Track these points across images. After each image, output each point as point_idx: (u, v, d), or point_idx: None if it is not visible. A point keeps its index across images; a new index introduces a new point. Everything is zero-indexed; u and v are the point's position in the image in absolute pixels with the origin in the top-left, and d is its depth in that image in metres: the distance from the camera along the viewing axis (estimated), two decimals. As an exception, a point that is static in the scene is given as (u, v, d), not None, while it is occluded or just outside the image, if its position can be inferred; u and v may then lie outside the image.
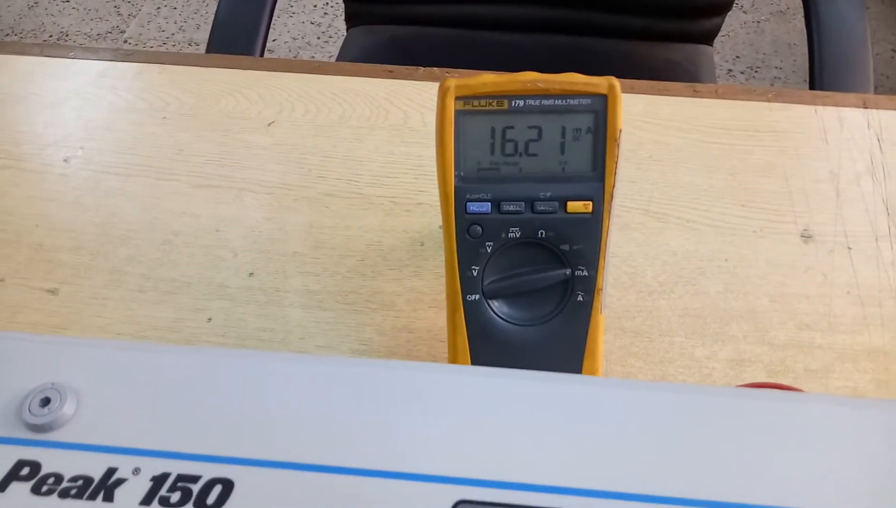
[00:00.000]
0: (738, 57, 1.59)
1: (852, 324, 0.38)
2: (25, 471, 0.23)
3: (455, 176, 0.30)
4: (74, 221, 0.43)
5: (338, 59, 0.83)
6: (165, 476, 0.23)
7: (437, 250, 0.41)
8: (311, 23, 1.65)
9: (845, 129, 0.46)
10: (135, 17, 1.68)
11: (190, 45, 1.61)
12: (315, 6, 1.69)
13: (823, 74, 0.55)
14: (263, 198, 0.44)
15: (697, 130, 0.46)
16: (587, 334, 0.30)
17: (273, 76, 0.50)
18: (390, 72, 0.50)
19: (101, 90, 0.50)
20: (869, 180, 0.44)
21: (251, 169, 0.45)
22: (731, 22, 1.64)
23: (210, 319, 0.39)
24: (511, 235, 0.30)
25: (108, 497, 0.23)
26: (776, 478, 0.22)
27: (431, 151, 0.30)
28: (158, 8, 1.69)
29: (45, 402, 0.24)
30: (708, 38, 0.82)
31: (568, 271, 0.30)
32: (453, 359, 0.32)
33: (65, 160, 0.46)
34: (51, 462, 0.23)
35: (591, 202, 0.30)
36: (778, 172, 0.44)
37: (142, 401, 0.24)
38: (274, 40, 1.61)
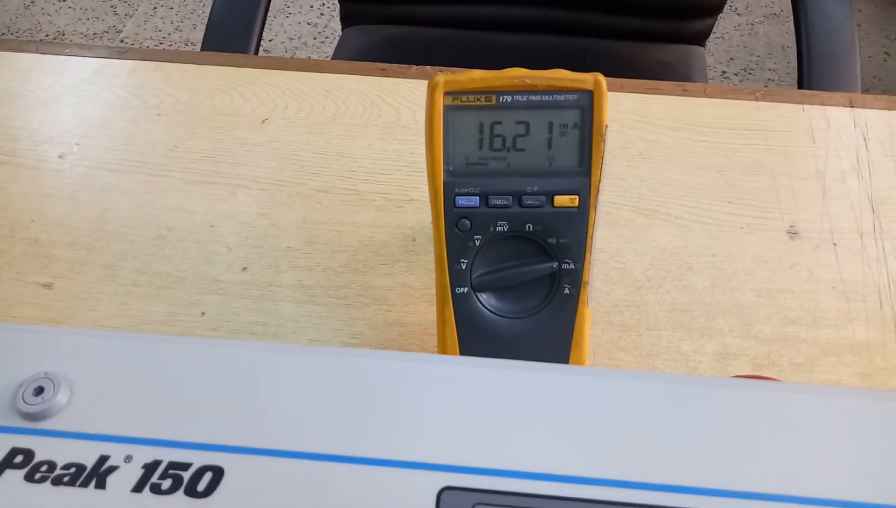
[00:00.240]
0: (732, 59, 1.60)
1: (837, 319, 0.38)
2: (19, 459, 0.23)
3: (444, 170, 0.30)
4: (69, 216, 0.43)
5: (332, 59, 0.83)
6: (157, 463, 0.23)
7: (428, 245, 0.41)
8: (308, 23, 1.66)
9: (832, 127, 0.47)
10: (131, 16, 1.68)
11: (186, 44, 1.61)
12: (311, 7, 1.69)
13: (812, 73, 0.55)
14: (257, 194, 0.44)
15: (686, 128, 0.47)
16: (574, 326, 0.31)
17: (267, 74, 0.51)
18: (383, 70, 0.51)
19: (96, 87, 0.51)
20: (854, 178, 0.44)
21: (245, 165, 0.46)
22: (726, 24, 1.65)
23: (203, 313, 0.39)
24: (499, 228, 0.30)
25: (101, 485, 0.23)
26: (759, 465, 0.23)
27: (423, 149, 0.31)
28: (155, 8, 1.69)
29: (39, 391, 0.24)
30: (700, 39, 0.83)
31: (555, 265, 0.31)
32: (443, 351, 0.32)
33: (60, 156, 0.47)
34: (44, 449, 0.23)
35: (577, 197, 0.30)
36: (765, 170, 0.45)
37: (134, 390, 0.25)
38: (270, 41, 1.61)
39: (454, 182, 0.30)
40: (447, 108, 0.30)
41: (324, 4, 1.69)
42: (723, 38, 1.63)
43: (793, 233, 0.42)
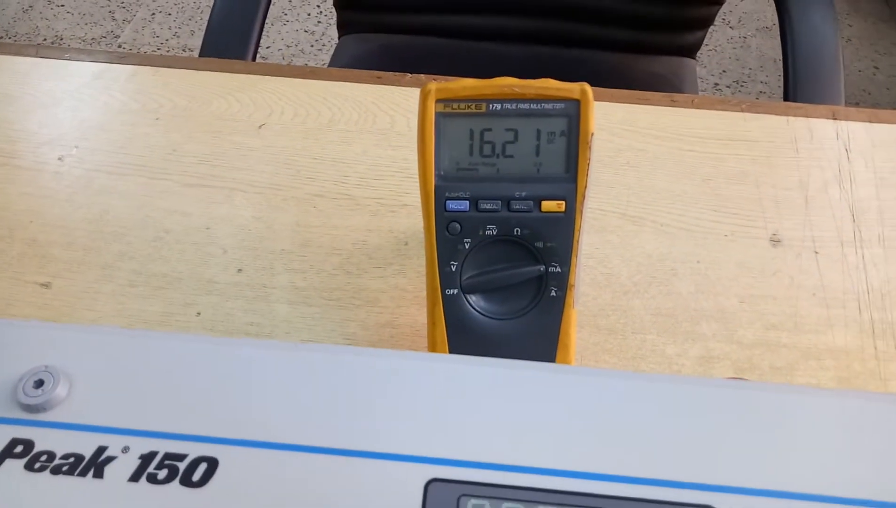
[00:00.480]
0: (724, 71, 1.62)
1: (817, 324, 0.39)
2: (19, 449, 0.24)
3: (435, 175, 0.31)
4: (68, 217, 0.44)
5: (329, 66, 0.84)
6: (153, 454, 0.24)
7: (420, 249, 0.42)
8: (305, 31, 1.67)
9: (815, 139, 0.48)
10: (129, 22, 1.69)
11: (184, 50, 1.62)
12: (309, 15, 1.71)
13: (797, 86, 0.57)
14: (253, 198, 0.45)
15: (674, 138, 0.48)
16: (560, 327, 0.32)
17: (264, 80, 0.52)
18: (378, 78, 0.52)
19: (95, 91, 0.51)
20: (836, 188, 0.45)
21: (242, 170, 0.47)
22: (718, 37, 1.67)
23: (199, 313, 0.40)
24: (488, 232, 0.31)
25: (99, 474, 0.24)
26: (736, 459, 0.24)
27: (416, 155, 0.32)
28: (153, 14, 1.71)
29: (39, 384, 0.25)
30: (691, 51, 0.84)
31: (542, 268, 0.32)
32: (432, 351, 0.33)
33: (59, 159, 0.47)
34: (44, 440, 0.24)
35: (564, 202, 0.31)
36: (750, 180, 0.46)
37: (131, 384, 0.26)
38: (268, 48, 1.62)
39: (445, 187, 0.31)
40: (439, 115, 0.31)
41: (321, 12, 1.71)
42: (715, 50, 1.65)
43: (775, 241, 0.43)
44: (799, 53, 0.57)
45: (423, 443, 0.24)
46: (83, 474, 0.24)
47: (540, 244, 0.31)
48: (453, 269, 0.32)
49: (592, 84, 0.50)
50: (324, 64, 1.58)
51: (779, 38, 0.61)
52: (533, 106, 0.30)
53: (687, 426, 0.24)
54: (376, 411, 0.25)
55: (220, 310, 0.40)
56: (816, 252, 0.42)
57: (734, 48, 1.66)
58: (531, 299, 0.32)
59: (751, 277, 0.41)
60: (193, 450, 0.24)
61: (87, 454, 0.24)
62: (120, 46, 1.63)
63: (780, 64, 1.60)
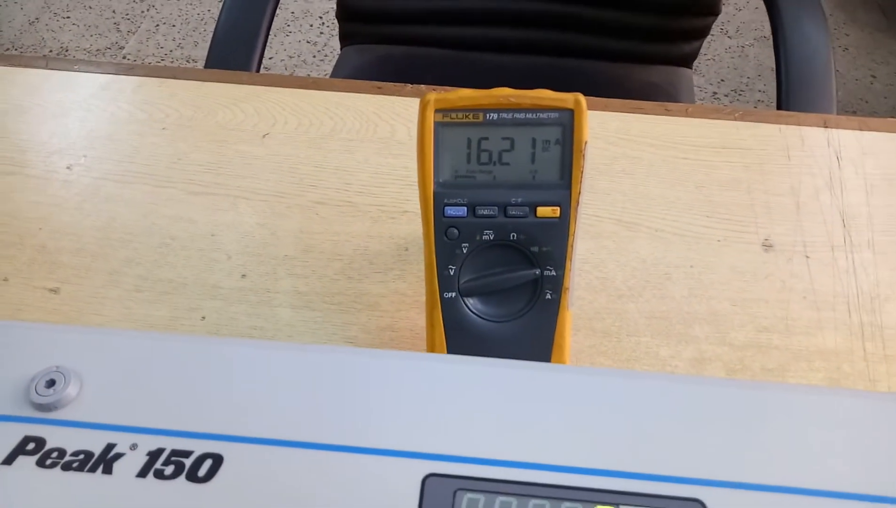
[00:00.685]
0: (722, 80, 1.63)
1: (808, 327, 0.40)
2: (31, 446, 0.25)
3: (434, 182, 0.32)
4: (76, 224, 0.45)
5: (331, 77, 0.85)
6: (160, 451, 0.25)
7: (419, 255, 0.43)
8: (308, 42, 1.69)
9: (806, 146, 0.49)
10: (134, 33, 1.71)
11: (188, 61, 1.64)
12: (311, 26, 1.73)
13: (790, 95, 0.58)
14: (257, 205, 0.46)
15: (668, 146, 0.49)
16: (555, 329, 0.33)
17: (268, 91, 0.53)
18: (379, 88, 0.53)
19: (103, 102, 0.53)
20: (827, 194, 0.46)
21: (246, 178, 0.48)
22: (717, 47, 1.69)
23: (204, 317, 0.41)
24: (485, 237, 0.32)
25: (108, 470, 0.25)
26: (724, 454, 0.25)
27: (416, 163, 0.33)
28: (157, 25, 1.73)
29: (51, 384, 0.26)
30: (687, 61, 0.86)
31: (537, 271, 0.33)
32: (431, 352, 0.34)
33: (68, 168, 0.49)
34: (55, 438, 0.25)
35: (558, 208, 0.32)
36: (742, 186, 0.47)
37: (139, 384, 0.27)
38: (271, 58, 1.64)
39: (443, 193, 0.32)
40: (438, 124, 0.32)
41: (324, 24, 1.73)
42: (714, 60, 1.66)
43: (767, 246, 0.44)
44: (792, 63, 0.58)
45: (421, 440, 0.25)
46: (93, 470, 0.25)
47: (535, 249, 0.32)
48: (451, 273, 0.33)
49: (589, 94, 0.51)
50: (326, 74, 1.60)
51: (778, 47, 0.62)
52: (528, 116, 0.32)
53: (676, 422, 0.25)
54: (376, 409, 0.26)
55: (225, 314, 0.41)
56: (807, 257, 0.43)
57: (732, 57, 1.67)
58: (527, 301, 0.33)
59: (743, 281, 0.42)
60: (199, 447, 0.25)
61: (97, 451, 0.25)
62: (125, 58, 1.65)
63: (778, 73, 1.61)
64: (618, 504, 0.24)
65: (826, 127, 0.50)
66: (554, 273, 0.33)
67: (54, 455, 0.25)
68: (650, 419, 0.25)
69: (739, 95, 1.59)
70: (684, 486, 0.24)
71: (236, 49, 0.65)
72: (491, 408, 0.26)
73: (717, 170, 0.48)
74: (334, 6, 0.87)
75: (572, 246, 0.33)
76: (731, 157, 0.49)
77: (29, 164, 0.49)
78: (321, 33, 1.71)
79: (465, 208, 0.32)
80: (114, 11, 1.76)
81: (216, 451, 0.25)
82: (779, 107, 0.60)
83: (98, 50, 1.67)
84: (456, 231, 0.32)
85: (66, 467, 0.25)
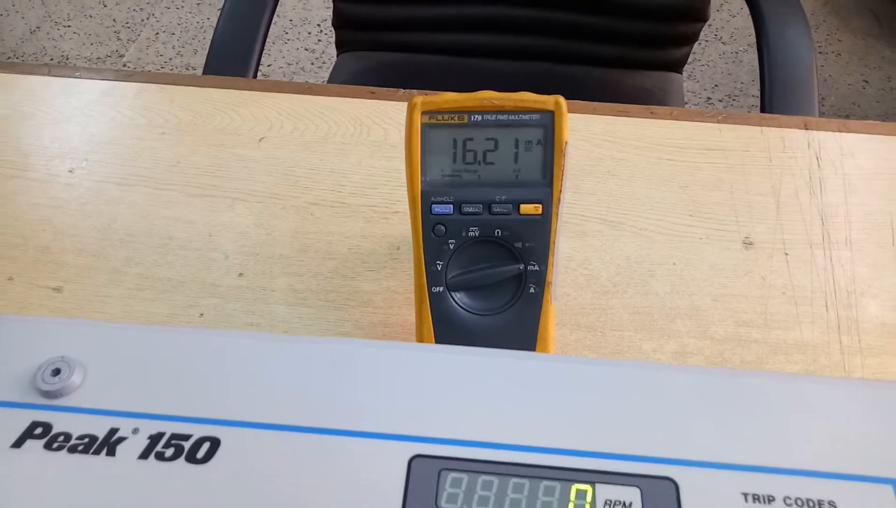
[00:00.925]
0: (716, 86, 1.65)
1: (786, 321, 0.41)
2: (39, 431, 0.26)
3: (421, 181, 0.34)
4: (78, 226, 0.47)
5: (327, 83, 0.87)
6: (161, 434, 0.26)
7: (411, 254, 0.45)
8: (306, 49, 1.71)
9: (787, 148, 0.51)
10: (134, 42, 1.73)
11: (187, 68, 1.66)
12: (310, 33, 1.75)
13: (773, 98, 0.59)
14: (254, 206, 0.48)
15: (653, 148, 0.51)
16: (539, 321, 0.34)
17: (265, 96, 0.54)
18: (372, 93, 0.55)
19: (104, 108, 0.54)
20: (807, 194, 0.48)
21: (243, 180, 0.49)
22: (711, 52, 1.71)
23: (202, 314, 0.42)
24: (471, 233, 0.34)
25: (111, 453, 0.26)
26: (697, 436, 0.26)
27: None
28: (157, 33, 1.75)
29: (56, 372, 0.27)
30: (677, 66, 0.87)
31: (521, 266, 0.34)
32: (420, 345, 0.35)
33: (70, 171, 0.50)
34: (61, 423, 0.26)
35: (541, 205, 0.34)
36: (724, 187, 0.48)
37: (140, 372, 0.28)
38: (269, 65, 1.66)
39: (431, 192, 0.34)
40: (424, 126, 0.33)
41: (321, 31, 1.75)
42: (708, 65, 1.68)
43: (748, 243, 0.45)
44: (774, 66, 0.60)
45: (408, 423, 0.26)
46: (97, 453, 0.26)
47: (519, 245, 0.34)
48: (439, 268, 0.34)
49: (580, 98, 0.53)
50: (324, 81, 1.61)
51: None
52: (511, 117, 0.33)
53: (650, 406, 0.27)
54: (365, 395, 0.27)
55: (222, 311, 0.42)
56: (787, 254, 0.45)
57: (726, 63, 1.69)
58: (511, 295, 0.34)
59: (724, 277, 0.43)
60: (198, 431, 0.26)
61: (101, 435, 0.26)
62: (125, 65, 1.67)
63: (771, 78, 1.63)
64: (593, 483, 0.25)
65: (807, 129, 0.52)
66: (537, 268, 0.34)
67: (60, 438, 0.26)
68: (625, 403, 0.27)
69: (734, 100, 1.61)
70: (657, 465, 0.25)
71: (234, 56, 0.67)
72: (473, 394, 0.27)
73: (700, 171, 0.49)
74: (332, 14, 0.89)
75: (554, 242, 0.34)
76: (715, 158, 0.50)
77: (32, 168, 0.50)
78: (319, 41, 1.73)
79: (452, 206, 0.34)
80: (114, 20, 1.78)
81: (214, 434, 0.26)
82: (762, 110, 0.62)
83: (98, 58, 1.69)
84: (443, 228, 0.34)
85: (72, 450, 0.26)
